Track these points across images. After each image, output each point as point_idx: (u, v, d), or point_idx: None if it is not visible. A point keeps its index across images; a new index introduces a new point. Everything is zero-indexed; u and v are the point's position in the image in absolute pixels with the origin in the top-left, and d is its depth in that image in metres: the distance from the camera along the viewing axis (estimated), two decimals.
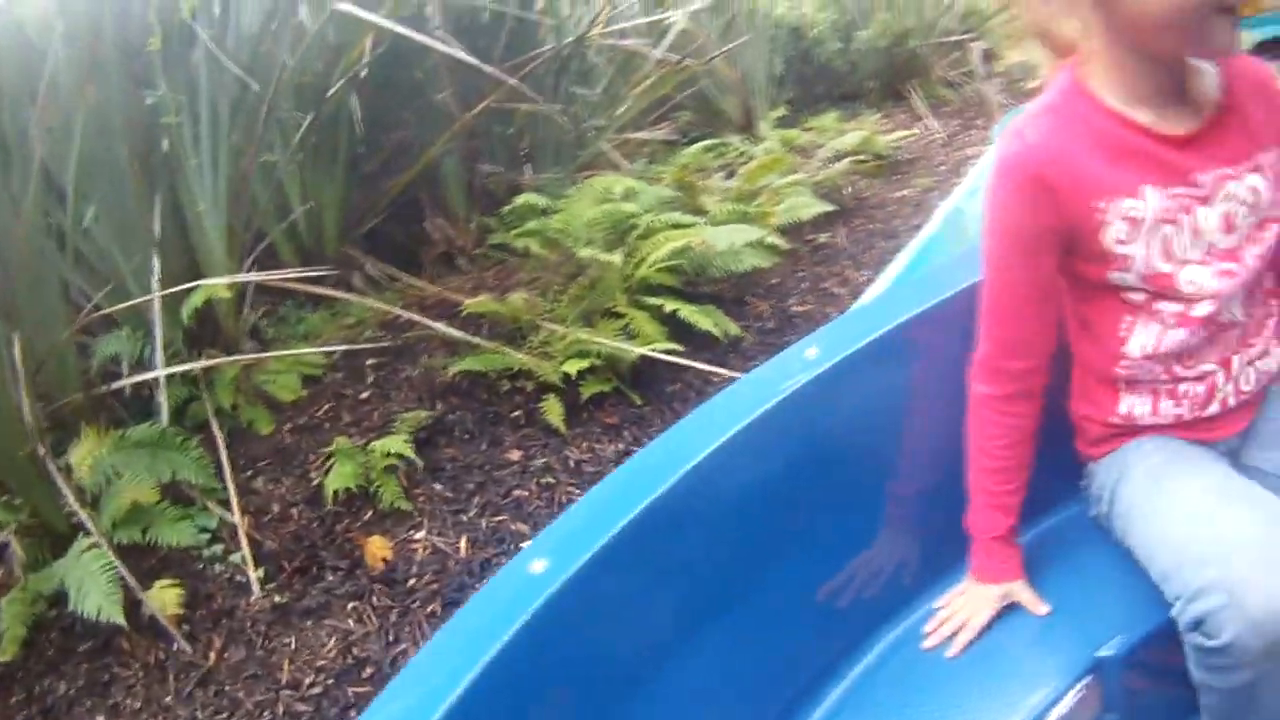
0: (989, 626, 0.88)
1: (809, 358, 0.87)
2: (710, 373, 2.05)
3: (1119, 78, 0.73)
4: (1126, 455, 0.85)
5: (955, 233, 3.05)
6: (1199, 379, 0.81)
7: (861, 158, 4.47)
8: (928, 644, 0.90)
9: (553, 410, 1.91)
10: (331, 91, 2.33)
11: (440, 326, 2.03)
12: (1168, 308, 0.77)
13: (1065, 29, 0.75)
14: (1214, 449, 0.85)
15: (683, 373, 2.10)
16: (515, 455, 1.86)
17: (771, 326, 2.53)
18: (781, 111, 5.41)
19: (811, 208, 3.21)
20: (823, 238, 3.38)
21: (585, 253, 2.18)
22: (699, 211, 2.85)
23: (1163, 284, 0.76)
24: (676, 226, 2.46)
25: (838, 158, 4.32)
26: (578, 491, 1.74)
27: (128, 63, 1.94)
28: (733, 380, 1.99)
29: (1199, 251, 0.75)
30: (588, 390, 1.95)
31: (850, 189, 4.17)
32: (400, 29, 2.15)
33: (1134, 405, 0.84)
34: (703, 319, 2.15)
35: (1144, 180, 0.73)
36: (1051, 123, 0.75)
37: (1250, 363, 0.82)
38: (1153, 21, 0.68)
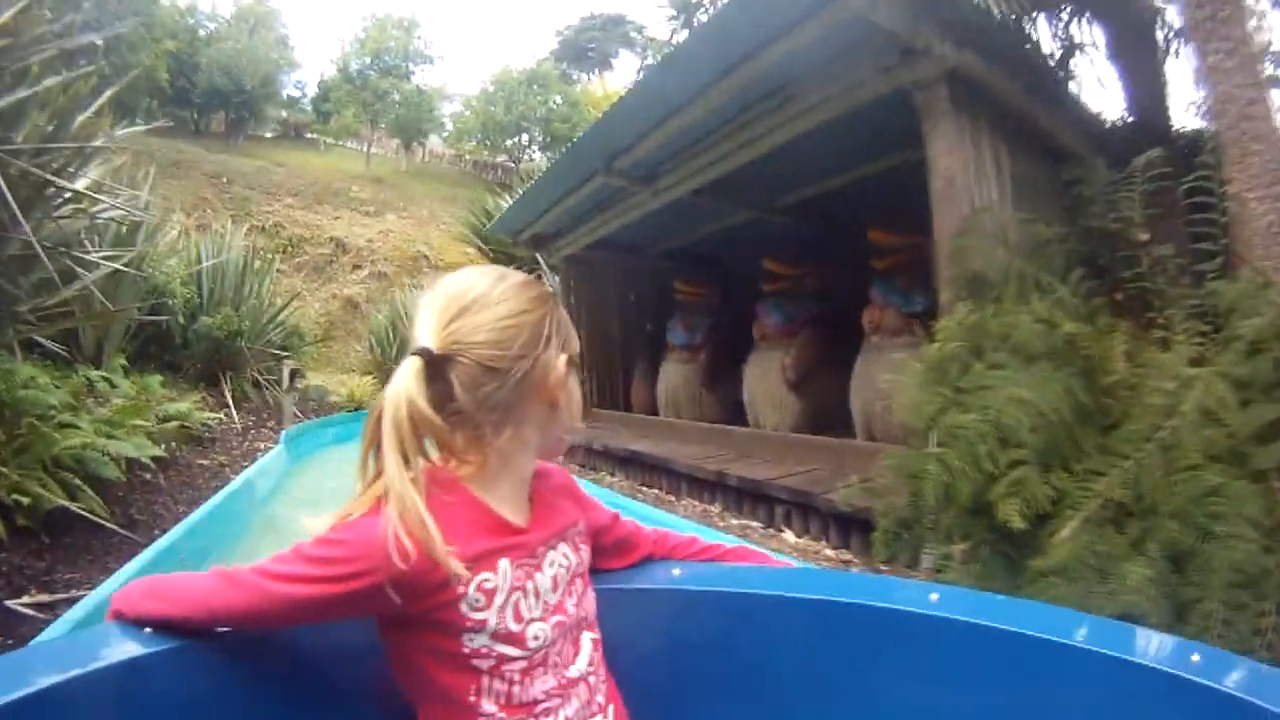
0: None
1: None
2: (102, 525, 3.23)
3: (494, 484, 0.87)
4: None
5: (248, 499, 4.75)
6: None
7: (184, 425, 5.85)
8: None
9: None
10: None
11: None
12: (512, 668, 0.84)
13: (457, 441, 0.85)
14: None
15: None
16: None
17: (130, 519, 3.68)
18: (123, 360, 6.39)
19: (151, 450, 4.52)
20: (148, 476, 4.61)
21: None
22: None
23: (513, 641, 0.84)
24: (69, 426, 3.62)
25: (168, 419, 5.62)
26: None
27: None
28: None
29: (540, 610, 0.86)
30: (24, 517, 2.90)
31: (173, 444, 5.46)
32: None
33: None
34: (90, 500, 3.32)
35: (500, 556, 0.84)
36: (441, 522, 0.78)
37: (593, 716, 0.91)
38: (570, 427, 0.93)
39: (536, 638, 0.85)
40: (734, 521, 4.19)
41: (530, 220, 7.09)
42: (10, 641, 2.30)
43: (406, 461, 0.79)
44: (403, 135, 29.26)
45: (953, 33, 3.15)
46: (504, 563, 0.84)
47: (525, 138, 30.63)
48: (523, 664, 0.85)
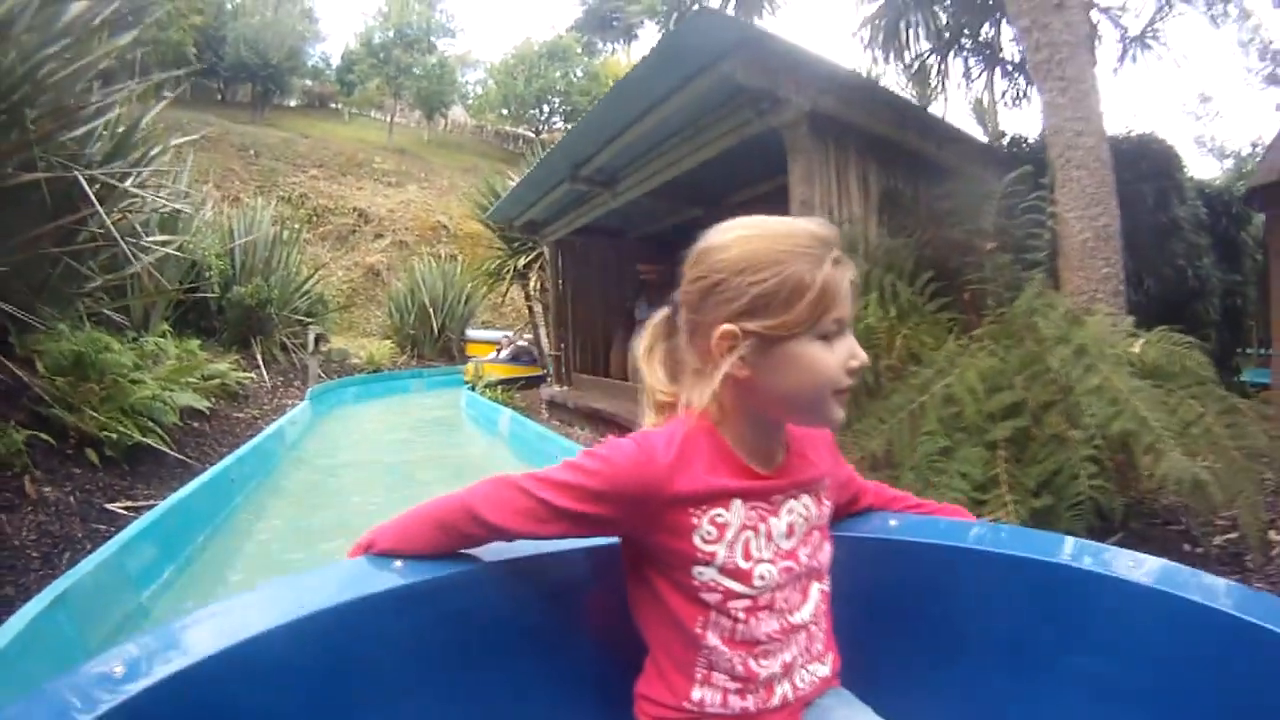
0: None
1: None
2: (166, 454, 4.28)
3: (736, 431, 0.89)
4: None
5: (279, 441, 5.80)
6: (769, 676, 0.89)
7: (223, 383, 6.90)
8: None
9: (93, 455, 3.84)
10: None
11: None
12: (737, 605, 0.87)
13: (695, 397, 0.89)
14: None
15: (157, 454, 4.23)
16: (77, 470, 3.73)
17: (185, 456, 4.72)
18: (167, 326, 7.32)
19: (202, 402, 5.58)
20: (196, 424, 5.66)
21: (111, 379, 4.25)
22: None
23: (740, 577, 0.86)
24: (138, 382, 4.65)
25: (210, 378, 6.66)
26: (104, 496, 3.72)
27: None
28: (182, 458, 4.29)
29: (769, 553, 0.88)
30: (111, 449, 3.95)
31: (214, 399, 6.50)
32: None
33: (706, 695, 0.89)
34: (157, 439, 4.35)
35: (734, 496, 0.87)
36: (681, 450, 0.86)
37: (807, 665, 0.92)
38: (786, 400, 0.87)
39: (763, 578, 0.88)
40: None
41: (519, 212, 8.09)
42: (113, 529, 3.31)
43: (652, 398, 0.94)
44: (425, 107, 30.02)
45: (812, 85, 3.96)
46: (737, 502, 0.88)
47: (546, 109, 31.28)
48: (748, 603, 0.88)
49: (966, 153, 5.13)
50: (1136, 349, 3.19)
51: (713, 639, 0.88)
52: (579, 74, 30.09)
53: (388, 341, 14.57)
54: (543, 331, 12.12)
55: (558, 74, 29.59)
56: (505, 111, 31.32)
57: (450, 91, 30.61)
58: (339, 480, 5.37)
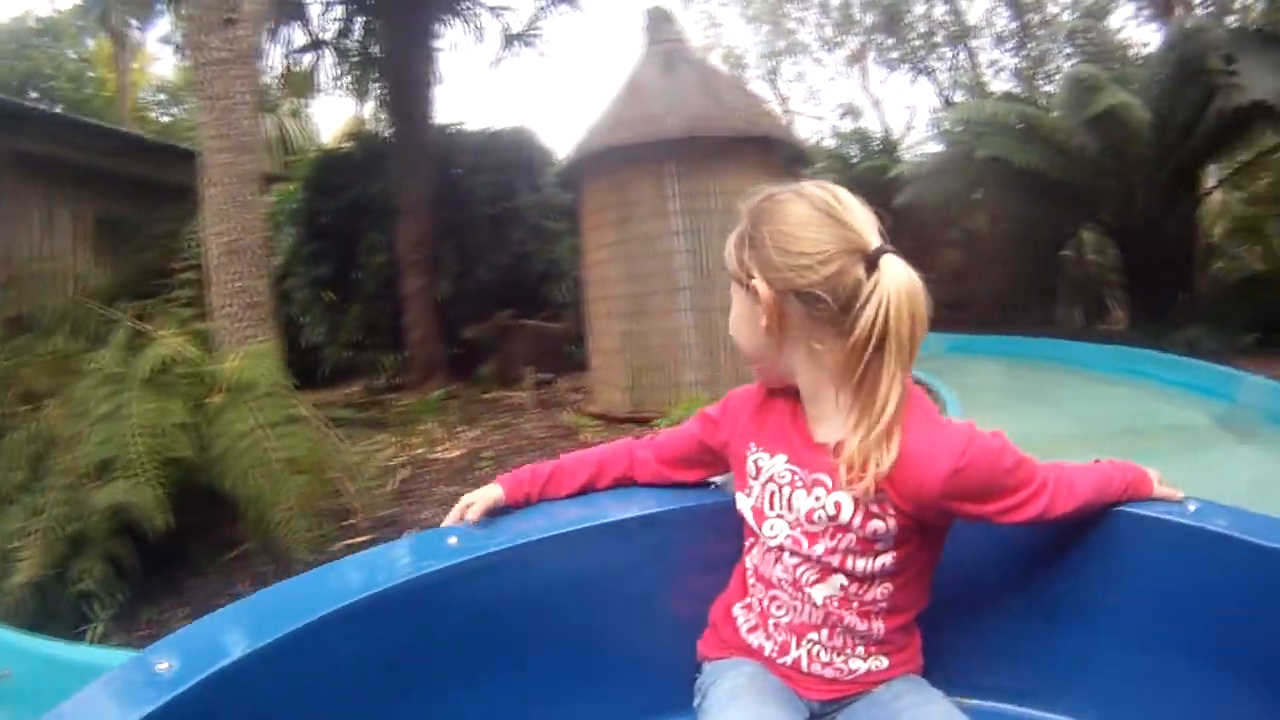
0: None
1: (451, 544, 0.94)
2: None
3: (805, 397, 0.92)
4: (724, 666, 0.97)
5: None
6: (781, 626, 0.95)
7: None
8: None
9: None
10: None
11: None
12: (756, 541, 0.97)
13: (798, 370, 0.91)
14: (805, 704, 0.94)
15: None
16: None
17: None
18: None
19: None
20: None
21: None
22: None
23: (756, 519, 0.95)
24: None
25: None
26: None
27: None
28: None
29: (788, 514, 0.92)
30: None
31: None
32: None
33: (741, 616, 0.99)
34: None
35: (779, 449, 0.94)
36: (764, 391, 0.99)
37: (829, 649, 0.93)
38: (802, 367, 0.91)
39: (772, 530, 0.94)
40: None
41: None
42: None
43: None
44: None
45: (12, 129, 4.20)
46: (781, 457, 0.94)
47: (35, 95, 26.71)
48: (763, 546, 0.96)
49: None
50: (231, 363, 3.33)
51: (749, 561, 1.01)
52: (71, 56, 26.08)
53: None
54: None
55: (45, 55, 25.45)
56: None
57: None
58: None
